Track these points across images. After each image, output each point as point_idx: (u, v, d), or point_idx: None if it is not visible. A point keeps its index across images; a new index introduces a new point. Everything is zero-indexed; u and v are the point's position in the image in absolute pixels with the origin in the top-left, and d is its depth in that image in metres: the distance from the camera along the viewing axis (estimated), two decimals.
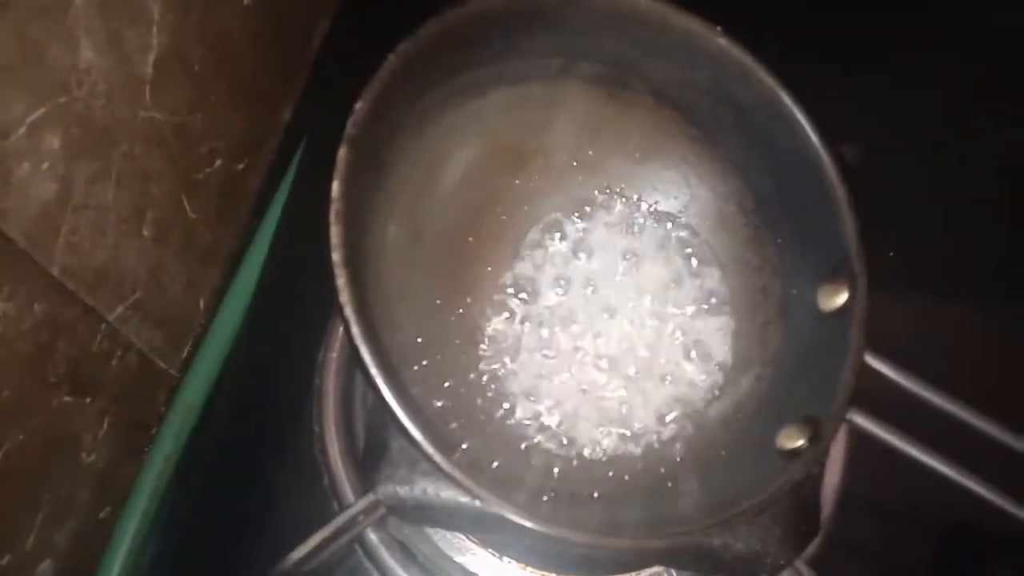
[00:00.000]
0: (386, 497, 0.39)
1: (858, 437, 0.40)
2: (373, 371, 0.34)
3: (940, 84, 0.57)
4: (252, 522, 0.48)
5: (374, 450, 0.40)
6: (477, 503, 0.36)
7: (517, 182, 0.47)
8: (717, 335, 0.46)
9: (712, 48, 0.42)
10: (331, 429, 0.48)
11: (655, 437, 0.44)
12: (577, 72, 0.45)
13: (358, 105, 0.36)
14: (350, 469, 0.47)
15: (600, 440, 0.44)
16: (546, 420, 0.44)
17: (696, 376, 0.45)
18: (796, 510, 0.40)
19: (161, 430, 0.52)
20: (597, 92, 0.46)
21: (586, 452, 0.43)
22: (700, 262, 0.47)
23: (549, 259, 0.47)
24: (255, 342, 0.54)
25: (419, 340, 0.41)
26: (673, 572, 0.45)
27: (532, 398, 0.44)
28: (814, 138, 0.42)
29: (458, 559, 0.46)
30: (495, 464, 0.39)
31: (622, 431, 0.44)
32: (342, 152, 0.35)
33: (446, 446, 0.35)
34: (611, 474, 0.42)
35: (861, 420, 0.39)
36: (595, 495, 0.41)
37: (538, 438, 0.43)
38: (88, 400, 0.46)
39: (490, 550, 0.46)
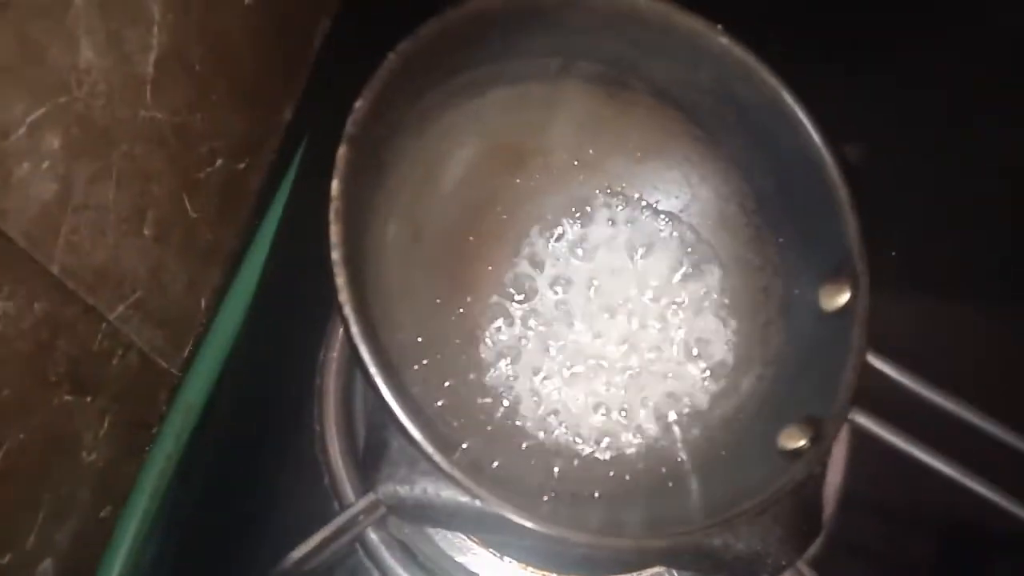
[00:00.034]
0: (386, 497, 0.39)
1: (860, 437, 0.40)
2: (372, 370, 0.34)
3: (943, 84, 0.57)
4: (253, 521, 0.48)
5: (374, 449, 0.40)
6: (477, 503, 0.36)
7: (517, 181, 0.47)
8: (718, 335, 0.46)
9: (714, 48, 0.42)
10: (332, 428, 0.48)
11: (656, 437, 0.44)
12: (577, 71, 0.44)
13: (358, 104, 0.36)
14: (351, 468, 0.47)
15: (601, 440, 0.44)
16: (547, 420, 0.44)
17: (697, 376, 0.45)
18: (798, 510, 0.40)
19: (162, 429, 0.52)
20: (597, 91, 0.45)
21: (587, 452, 0.43)
22: (701, 262, 0.47)
23: (550, 259, 0.47)
24: (256, 341, 0.54)
25: (419, 339, 0.41)
26: (674, 572, 0.45)
27: (533, 398, 0.44)
28: (816, 138, 0.41)
29: (459, 559, 0.46)
30: (495, 464, 0.39)
31: (623, 431, 0.44)
32: (342, 151, 0.35)
33: (446, 446, 0.35)
34: (612, 474, 0.42)
35: (863, 420, 0.39)
36: (596, 495, 0.41)
37: (539, 438, 0.43)
38: (89, 399, 0.46)
39: (491, 550, 0.46)
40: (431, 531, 0.46)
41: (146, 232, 0.48)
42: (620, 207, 0.48)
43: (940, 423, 0.38)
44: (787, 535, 0.39)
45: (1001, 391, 0.39)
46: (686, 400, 0.45)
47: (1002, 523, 0.36)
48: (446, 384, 0.42)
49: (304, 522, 0.41)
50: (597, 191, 0.49)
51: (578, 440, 0.44)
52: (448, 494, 0.38)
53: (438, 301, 0.44)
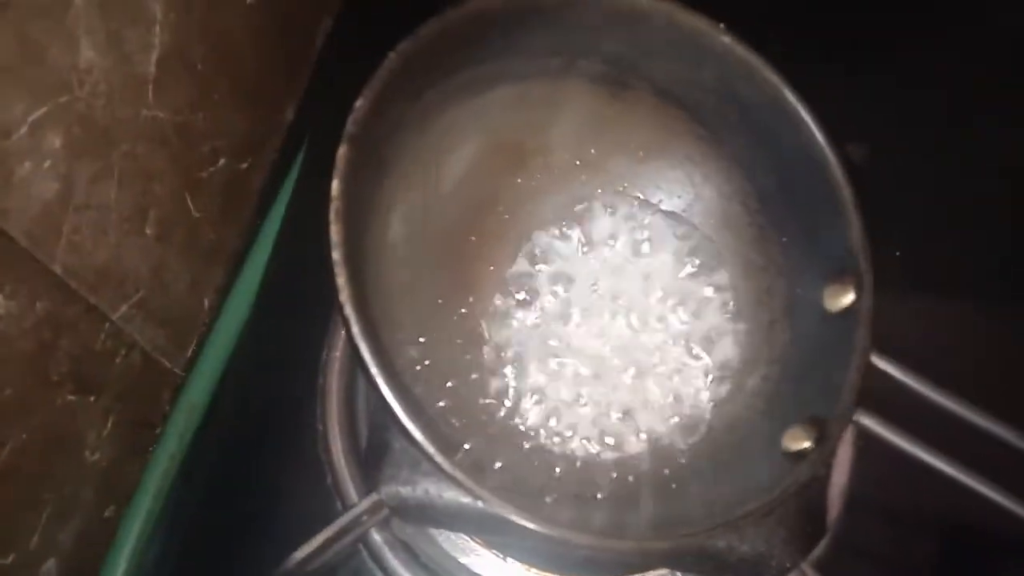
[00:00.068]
0: (388, 497, 0.39)
1: (865, 438, 0.39)
2: (373, 371, 0.34)
3: (943, 84, 0.57)
4: (256, 521, 0.48)
5: (376, 450, 0.40)
6: (479, 504, 0.35)
7: (519, 181, 0.47)
8: (722, 335, 0.46)
9: (717, 47, 0.42)
10: (335, 428, 0.48)
11: (659, 438, 0.44)
12: (578, 70, 0.44)
13: (358, 103, 0.36)
14: (354, 468, 0.47)
15: (604, 441, 0.44)
16: (549, 420, 0.44)
17: (701, 376, 0.45)
18: (802, 512, 0.40)
19: (165, 429, 0.52)
20: (599, 91, 0.45)
21: (589, 453, 0.43)
22: (704, 262, 0.47)
23: (552, 259, 0.47)
24: (259, 341, 0.53)
25: (421, 339, 0.41)
26: (678, 574, 0.45)
27: (535, 398, 0.44)
28: (819, 137, 0.41)
29: (462, 560, 0.46)
30: (497, 465, 0.39)
31: (626, 432, 0.44)
32: (342, 150, 0.35)
33: (447, 447, 0.35)
34: (615, 475, 0.42)
35: (868, 421, 0.38)
36: (598, 496, 0.40)
37: (541, 438, 0.43)
38: (92, 399, 0.46)
39: (494, 551, 0.46)
40: (434, 532, 0.46)
41: (148, 231, 0.48)
42: (622, 207, 0.48)
43: (945, 424, 0.38)
44: (791, 537, 0.39)
45: (1001, 391, 0.39)
46: (689, 401, 0.45)
47: (1007, 524, 0.36)
48: (448, 384, 0.42)
49: (307, 522, 0.40)
50: (599, 191, 0.48)
51: (581, 441, 0.43)
52: (450, 495, 0.38)
53: (440, 301, 0.44)
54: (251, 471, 0.50)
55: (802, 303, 0.43)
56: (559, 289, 0.47)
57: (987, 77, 0.57)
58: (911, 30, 0.60)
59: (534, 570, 0.45)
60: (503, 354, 0.45)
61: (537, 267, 0.47)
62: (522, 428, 0.43)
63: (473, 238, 0.46)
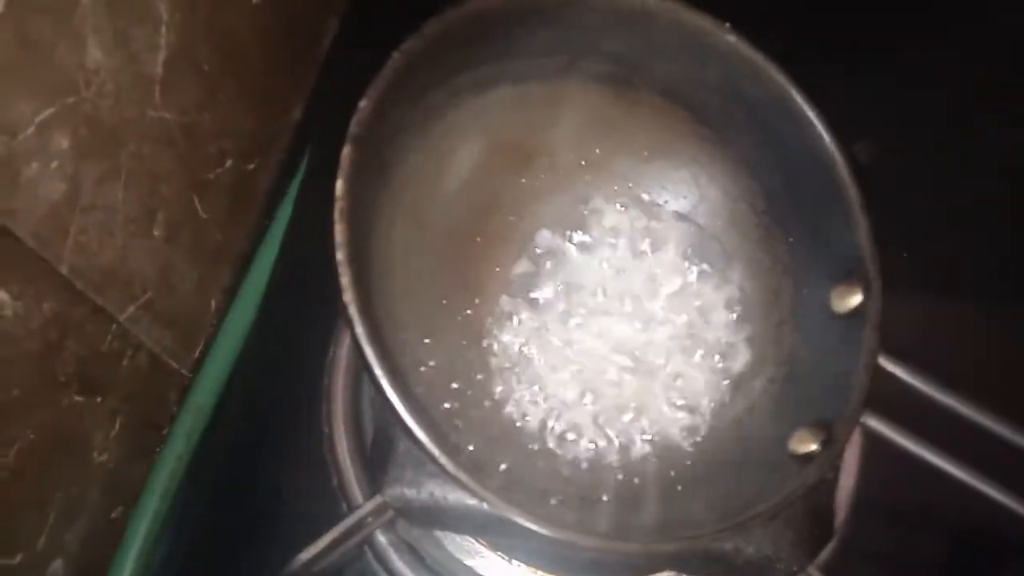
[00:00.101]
0: (393, 499, 0.39)
1: (873, 440, 0.39)
2: (377, 372, 0.34)
3: (943, 84, 0.57)
4: (262, 522, 0.48)
5: (381, 452, 0.40)
6: (484, 506, 0.35)
7: (523, 181, 0.47)
8: (729, 336, 0.46)
9: (721, 46, 0.42)
10: (340, 429, 0.48)
11: (665, 440, 0.44)
12: (582, 70, 0.44)
13: (362, 104, 0.36)
14: (359, 470, 0.47)
15: (609, 443, 0.43)
16: (554, 422, 0.44)
17: (707, 378, 0.45)
18: (809, 514, 0.40)
19: (172, 430, 0.52)
20: (603, 90, 0.45)
21: (596, 455, 0.43)
22: (711, 262, 0.47)
23: (557, 259, 0.47)
24: (265, 342, 0.54)
25: (425, 340, 0.41)
26: None
27: (540, 400, 0.44)
28: (826, 136, 0.41)
29: (468, 562, 0.46)
30: (502, 467, 0.39)
31: (632, 434, 0.44)
32: (346, 151, 0.35)
33: (452, 448, 0.35)
34: (620, 477, 0.42)
35: (875, 423, 0.38)
36: (604, 498, 0.40)
37: (546, 440, 0.43)
38: (98, 399, 0.46)
39: (499, 553, 0.46)
40: (439, 534, 0.46)
41: (155, 232, 0.48)
42: (628, 207, 0.48)
43: (953, 426, 0.38)
44: (798, 539, 0.39)
45: (1001, 391, 0.39)
46: (695, 403, 0.44)
47: (1015, 526, 0.36)
48: (453, 386, 0.42)
49: (313, 523, 0.41)
50: (604, 191, 0.48)
51: (586, 443, 0.43)
52: (455, 497, 0.38)
53: (444, 302, 0.44)
54: (257, 472, 0.50)
55: (809, 304, 0.43)
56: (564, 290, 0.47)
57: (987, 77, 0.57)
58: (911, 30, 0.60)
59: (540, 572, 0.45)
60: (508, 355, 0.45)
61: (542, 268, 0.47)
62: (527, 430, 0.43)
63: (478, 239, 0.46)
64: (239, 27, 0.53)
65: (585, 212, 0.48)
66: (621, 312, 0.46)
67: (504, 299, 0.46)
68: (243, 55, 0.54)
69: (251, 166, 0.57)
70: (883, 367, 0.38)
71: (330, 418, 0.48)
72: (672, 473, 0.42)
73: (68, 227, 0.41)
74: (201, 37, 0.49)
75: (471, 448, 0.37)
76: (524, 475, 0.39)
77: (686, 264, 0.47)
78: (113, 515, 0.49)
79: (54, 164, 0.40)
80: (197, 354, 0.54)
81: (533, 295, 0.46)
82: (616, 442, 0.43)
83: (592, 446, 0.43)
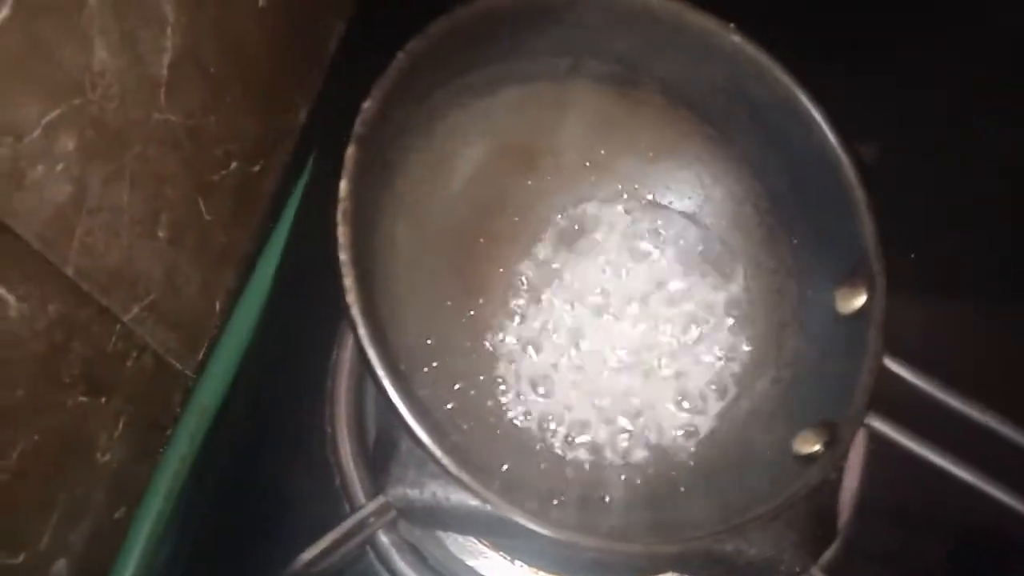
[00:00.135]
0: (396, 499, 0.39)
1: (877, 441, 0.39)
2: (379, 372, 0.34)
3: (943, 84, 0.57)
4: (266, 522, 0.48)
5: (384, 452, 0.40)
6: (487, 507, 0.35)
7: (528, 182, 0.47)
8: (733, 337, 0.46)
9: (726, 46, 0.42)
10: (343, 430, 0.48)
11: (668, 441, 0.44)
12: (587, 71, 0.44)
13: (366, 104, 0.36)
14: (362, 471, 0.47)
15: (612, 444, 0.43)
16: (557, 423, 0.44)
17: (710, 379, 0.45)
18: (812, 515, 0.40)
19: (176, 431, 0.52)
20: (608, 91, 0.45)
21: (598, 456, 0.43)
22: (715, 263, 0.47)
23: (561, 261, 0.47)
24: (269, 343, 0.54)
25: (429, 341, 0.41)
26: None
27: (544, 401, 0.44)
28: (831, 137, 0.41)
29: (470, 562, 0.46)
30: (505, 467, 0.39)
31: (634, 434, 0.44)
32: (350, 151, 0.35)
33: (454, 448, 0.35)
34: (623, 478, 0.42)
35: (879, 424, 0.38)
36: (606, 499, 0.40)
37: (549, 441, 0.43)
38: (103, 400, 0.46)
39: (502, 554, 0.46)
40: (442, 534, 0.46)
41: (160, 234, 0.48)
42: (632, 208, 0.48)
43: (958, 427, 0.38)
44: (801, 540, 0.39)
45: (1001, 391, 0.39)
46: (698, 404, 0.44)
47: (1020, 528, 0.35)
48: (456, 387, 0.42)
49: (316, 524, 0.41)
50: (609, 192, 0.48)
51: (589, 444, 0.43)
52: (457, 497, 0.38)
53: (448, 303, 0.44)
54: (260, 473, 0.50)
55: (813, 305, 0.43)
56: (568, 291, 0.46)
57: (987, 77, 0.57)
58: (911, 30, 0.60)
59: (542, 573, 0.45)
60: (511, 356, 0.45)
61: (546, 269, 0.47)
62: (530, 430, 0.43)
63: (482, 240, 0.46)
64: (245, 30, 0.53)
65: (589, 213, 0.48)
66: (624, 313, 0.46)
67: (508, 300, 0.46)
68: (249, 58, 0.54)
69: (256, 168, 0.57)
70: (887, 367, 0.38)
71: (333, 419, 0.49)
72: (674, 474, 0.42)
73: (74, 229, 0.42)
74: (207, 39, 0.49)
75: (473, 449, 0.37)
76: (526, 476, 0.39)
77: (690, 265, 0.47)
78: (116, 515, 0.49)
79: (60, 166, 0.40)
80: (201, 355, 0.54)
81: (536, 297, 0.46)
82: (618, 443, 0.43)
83: (594, 447, 0.43)
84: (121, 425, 0.48)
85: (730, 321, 0.46)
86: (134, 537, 0.49)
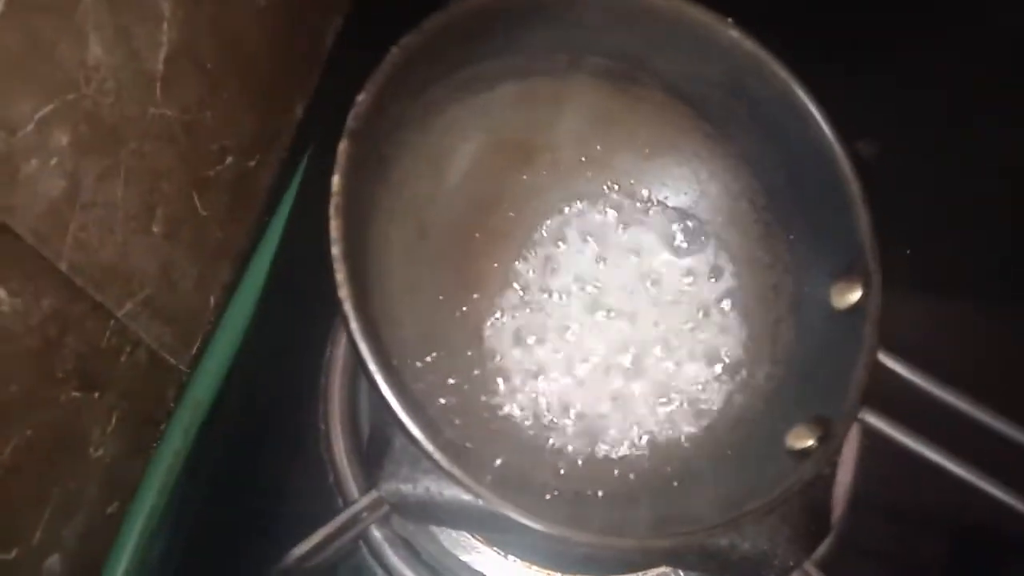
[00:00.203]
0: (389, 494, 0.39)
1: (871, 437, 0.39)
2: (372, 367, 0.34)
3: (943, 84, 0.57)
4: (259, 517, 0.48)
5: (377, 447, 0.40)
6: (479, 502, 0.35)
7: (524, 178, 0.47)
8: (727, 333, 0.45)
9: (724, 41, 0.42)
10: (336, 426, 0.48)
11: (662, 436, 0.43)
12: (584, 66, 0.44)
13: (360, 98, 0.36)
14: (355, 467, 0.47)
15: (606, 438, 0.43)
16: (552, 418, 0.43)
17: (705, 374, 0.45)
18: (806, 510, 0.40)
19: (170, 426, 0.52)
20: (605, 86, 0.45)
21: (592, 451, 0.43)
22: (710, 259, 0.47)
23: (556, 256, 0.47)
24: (264, 339, 0.54)
25: (423, 337, 0.41)
26: (680, 572, 0.45)
27: (537, 396, 0.44)
28: (828, 132, 0.41)
29: (463, 557, 0.46)
30: (498, 462, 0.39)
31: (628, 430, 0.43)
32: (343, 145, 0.35)
33: (447, 443, 0.35)
34: (617, 473, 0.42)
35: (874, 420, 0.38)
36: (600, 494, 0.40)
37: (543, 436, 0.43)
38: (96, 395, 0.46)
39: (495, 549, 0.46)
40: (435, 529, 0.46)
41: (155, 229, 0.48)
42: (628, 204, 0.48)
43: (952, 423, 0.38)
44: (795, 535, 0.39)
45: (1001, 391, 0.39)
46: (693, 399, 0.44)
47: (1015, 525, 0.35)
48: (450, 382, 0.42)
49: (309, 518, 0.41)
50: (605, 188, 0.48)
51: (583, 439, 0.43)
52: (450, 492, 0.38)
53: (442, 298, 0.44)
54: (255, 468, 0.50)
55: (808, 301, 0.43)
56: (563, 286, 0.46)
57: (987, 77, 0.57)
58: (911, 30, 0.60)
59: (535, 567, 0.45)
60: (506, 351, 0.45)
61: (542, 265, 0.47)
62: (524, 425, 0.43)
63: (477, 235, 0.46)
64: (242, 25, 0.53)
65: (586, 209, 0.48)
66: (619, 308, 0.46)
67: (503, 296, 0.46)
68: (246, 53, 0.54)
69: (252, 164, 0.57)
70: (882, 363, 0.38)
71: (327, 414, 0.49)
72: (668, 469, 0.42)
73: (68, 224, 0.41)
74: (203, 34, 0.49)
75: (467, 444, 0.37)
76: (519, 470, 0.39)
77: (685, 261, 0.47)
78: (110, 510, 0.49)
79: (54, 161, 0.40)
80: (195, 350, 0.54)
81: (532, 292, 0.46)
82: (612, 438, 0.43)
83: (589, 442, 0.43)
84: (114, 420, 0.48)
85: (725, 316, 0.46)
86: (127, 532, 0.49)
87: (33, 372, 0.41)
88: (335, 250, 0.34)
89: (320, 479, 0.47)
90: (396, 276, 0.40)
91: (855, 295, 0.40)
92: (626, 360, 0.45)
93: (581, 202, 0.48)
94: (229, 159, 0.54)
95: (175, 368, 0.53)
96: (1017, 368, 0.51)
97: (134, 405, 0.49)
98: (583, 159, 0.48)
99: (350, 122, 0.36)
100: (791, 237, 0.45)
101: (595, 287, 0.47)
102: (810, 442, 0.38)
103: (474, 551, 0.46)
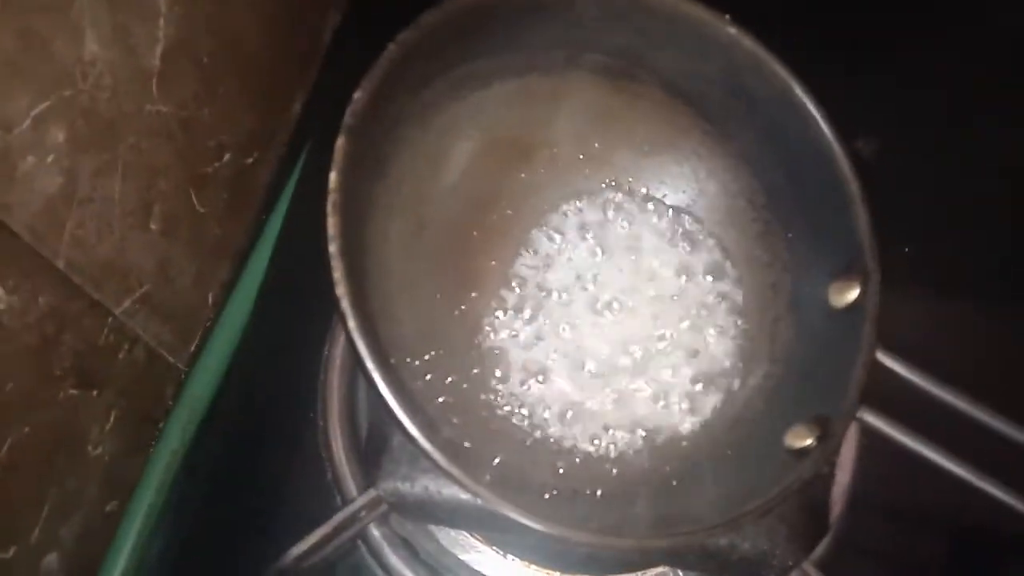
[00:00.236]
0: (387, 493, 0.39)
1: (869, 436, 0.39)
2: (369, 365, 0.33)
3: (943, 84, 0.57)
4: (258, 516, 0.48)
5: (375, 446, 0.40)
6: (478, 501, 0.35)
7: (522, 175, 0.47)
8: (726, 331, 0.45)
9: (723, 38, 0.42)
10: (335, 424, 0.48)
11: (661, 435, 0.43)
12: (583, 63, 0.44)
13: (357, 95, 0.35)
14: (354, 465, 0.47)
15: (605, 438, 0.43)
16: (550, 417, 0.43)
17: (703, 373, 0.45)
18: (804, 510, 0.40)
19: (168, 424, 0.52)
20: (604, 84, 0.45)
21: (590, 450, 0.43)
22: (709, 257, 0.47)
23: (555, 254, 0.47)
24: (262, 337, 0.54)
25: (421, 335, 0.41)
26: (679, 572, 0.45)
27: (537, 395, 0.44)
28: (827, 131, 0.41)
29: (462, 556, 0.46)
30: (497, 461, 0.38)
31: (627, 429, 0.43)
32: (340, 142, 0.35)
33: (445, 442, 0.35)
34: (615, 472, 0.42)
35: (872, 419, 0.38)
36: (598, 494, 0.40)
37: (542, 435, 0.43)
38: (95, 393, 0.46)
39: (494, 548, 0.46)
40: (434, 528, 0.46)
41: (153, 226, 0.48)
42: (627, 202, 0.48)
43: (951, 422, 0.37)
44: (793, 535, 0.39)
45: (1001, 391, 0.39)
46: (692, 398, 0.44)
47: (1012, 522, 0.35)
48: (448, 380, 0.42)
49: (308, 517, 0.41)
50: (603, 185, 0.48)
51: (582, 438, 0.43)
52: (449, 491, 0.38)
53: (441, 296, 0.44)
54: (253, 466, 0.50)
55: (807, 299, 0.43)
56: (561, 285, 0.46)
57: (987, 77, 0.57)
58: (911, 30, 0.60)
59: (534, 567, 0.45)
60: (505, 350, 0.45)
61: (540, 263, 0.47)
62: (523, 424, 0.43)
63: (475, 233, 0.46)
64: (240, 21, 0.53)
65: (584, 206, 0.48)
66: (617, 307, 0.46)
67: (501, 294, 0.46)
68: (243, 49, 0.54)
69: (250, 160, 0.57)
70: (881, 362, 0.38)
71: (325, 413, 0.48)
72: (667, 468, 0.42)
73: (64, 221, 0.41)
74: (201, 30, 0.49)
75: (466, 443, 0.37)
76: (518, 469, 0.39)
77: (683, 259, 0.47)
78: (108, 508, 0.49)
79: (50, 157, 0.40)
80: (193, 348, 0.54)
81: (530, 290, 0.46)
82: (611, 437, 0.43)
83: (587, 441, 0.43)
84: (113, 418, 0.48)
85: (724, 315, 0.46)
86: (125, 530, 0.49)
87: (31, 370, 0.41)
88: (332, 247, 0.34)
89: (318, 477, 0.47)
90: (394, 274, 0.40)
91: (854, 294, 0.40)
92: (624, 359, 0.45)
93: (579, 200, 0.48)
94: (227, 156, 0.54)
95: (173, 366, 0.53)
96: (1017, 368, 0.51)
97: (132, 403, 0.49)
98: (581, 157, 0.48)
99: (347, 119, 0.36)
100: (790, 236, 0.44)
101: (593, 285, 0.46)
102: (809, 441, 0.38)
103: (473, 550, 0.46)
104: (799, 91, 0.41)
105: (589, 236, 0.47)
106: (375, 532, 0.44)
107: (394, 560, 0.44)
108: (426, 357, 0.41)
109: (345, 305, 0.34)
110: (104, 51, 0.42)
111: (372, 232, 0.39)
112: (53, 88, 0.39)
